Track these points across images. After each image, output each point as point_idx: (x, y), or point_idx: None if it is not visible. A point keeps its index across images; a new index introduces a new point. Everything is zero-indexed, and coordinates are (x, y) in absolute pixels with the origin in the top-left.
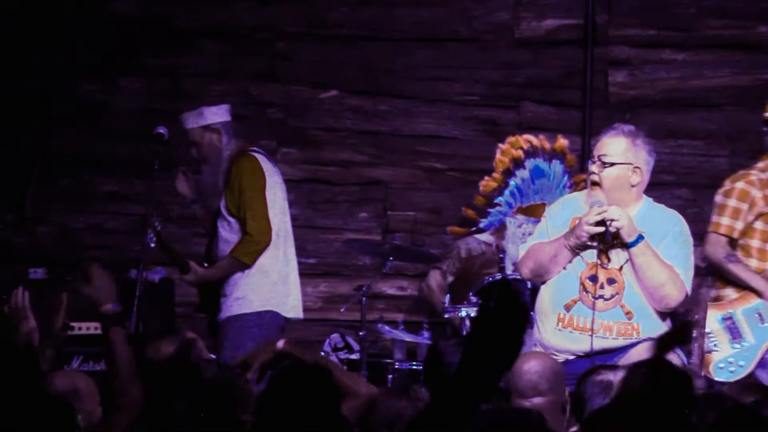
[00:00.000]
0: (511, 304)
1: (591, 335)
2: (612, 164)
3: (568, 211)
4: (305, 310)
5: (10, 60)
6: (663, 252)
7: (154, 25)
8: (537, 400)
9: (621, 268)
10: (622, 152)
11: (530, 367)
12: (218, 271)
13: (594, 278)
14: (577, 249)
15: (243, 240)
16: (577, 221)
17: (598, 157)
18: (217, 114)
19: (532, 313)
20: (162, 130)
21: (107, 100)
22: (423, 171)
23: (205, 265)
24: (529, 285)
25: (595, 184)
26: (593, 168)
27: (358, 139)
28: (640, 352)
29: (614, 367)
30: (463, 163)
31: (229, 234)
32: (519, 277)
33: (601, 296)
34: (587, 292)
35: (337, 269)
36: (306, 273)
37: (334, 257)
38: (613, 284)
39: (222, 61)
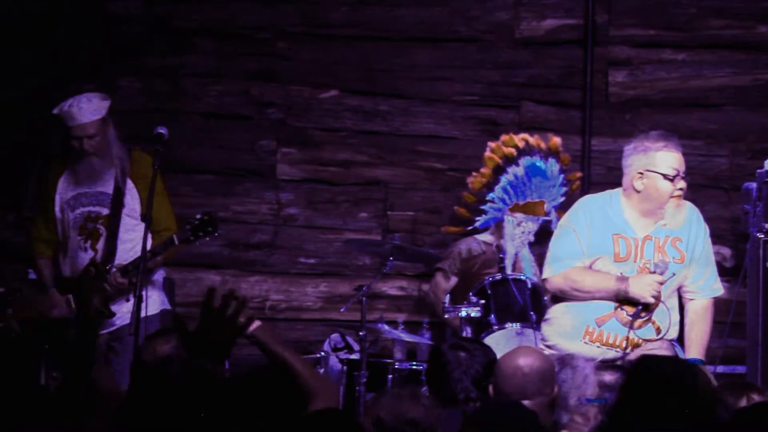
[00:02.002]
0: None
1: (624, 352)
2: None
3: (601, 217)
4: (305, 309)
5: (10, 60)
6: (703, 256)
7: (154, 25)
8: (525, 403)
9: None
10: None
11: (516, 370)
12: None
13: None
14: (620, 298)
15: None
16: (643, 279)
17: (682, 173)
18: (107, 104)
19: (532, 312)
20: (162, 130)
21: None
22: (423, 171)
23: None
24: (529, 285)
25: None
26: (682, 184)
27: (358, 139)
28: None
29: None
30: (463, 163)
31: (131, 236)
32: (519, 277)
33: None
34: (623, 309)
35: (337, 269)
36: (306, 273)
37: (334, 257)
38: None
39: (222, 61)
